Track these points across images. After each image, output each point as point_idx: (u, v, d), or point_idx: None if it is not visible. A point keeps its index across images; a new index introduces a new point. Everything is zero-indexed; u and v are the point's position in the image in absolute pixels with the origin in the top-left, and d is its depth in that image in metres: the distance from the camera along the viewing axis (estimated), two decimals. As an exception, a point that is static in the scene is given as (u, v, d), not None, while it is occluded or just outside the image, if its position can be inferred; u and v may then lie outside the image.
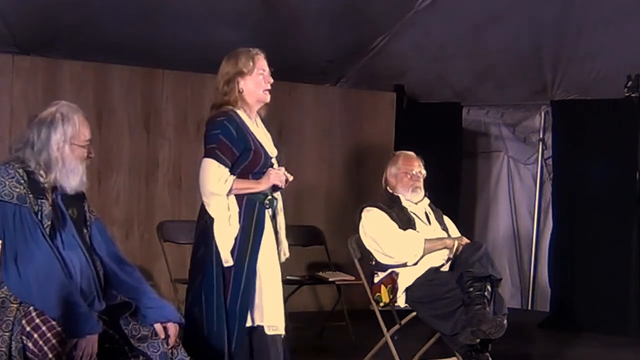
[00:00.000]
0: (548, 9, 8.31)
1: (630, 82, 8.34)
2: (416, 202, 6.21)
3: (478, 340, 5.63)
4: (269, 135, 4.94)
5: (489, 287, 5.69)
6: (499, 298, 5.84)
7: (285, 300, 4.96)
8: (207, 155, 4.76)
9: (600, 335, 8.01)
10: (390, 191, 6.24)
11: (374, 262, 6.13)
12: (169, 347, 4.04)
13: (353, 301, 7.92)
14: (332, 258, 7.89)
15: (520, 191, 9.72)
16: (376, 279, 6.12)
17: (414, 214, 6.15)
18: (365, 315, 6.58)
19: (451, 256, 5.97)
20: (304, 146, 8.80)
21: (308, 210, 8.57)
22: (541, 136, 9.48)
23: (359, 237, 6.21)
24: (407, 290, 5.97)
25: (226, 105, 4.80)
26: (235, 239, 4.73)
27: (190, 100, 8.21)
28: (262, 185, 4.79)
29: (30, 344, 3.81)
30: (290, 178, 4.87)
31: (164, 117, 8.13)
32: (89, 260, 4.04)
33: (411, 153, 6.35)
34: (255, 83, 4.83)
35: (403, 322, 5.98)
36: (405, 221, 6.06)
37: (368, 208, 6.18)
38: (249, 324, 4.75)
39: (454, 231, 6.29)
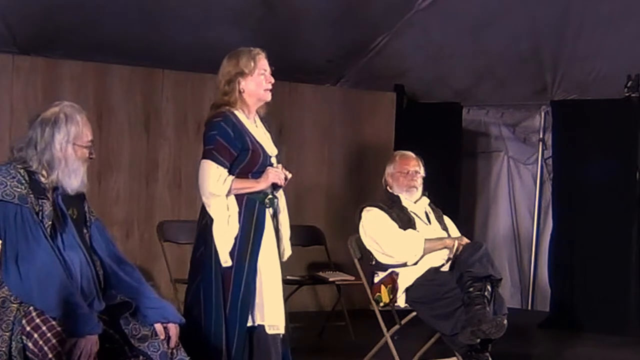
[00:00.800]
0: (548, 9, 8.31)
1: (630, 82, 8.34)
2: (414, 201, 6.21)
3: (478, 340, 5.63)
4: (268, 134, 4.94)
5: (489, 287, 5.69)
6: (499, 298, 5.84)
7: (285, 300, 4.96)
8: (205, 157, 4.77)
9: (600, 335, 8.02)
10: (390, 191, 6.24)
11: (374, 262, 6.14)
12: (170, 347, 4.04)
13: (353, 301, 7.93)
14: (332, 258, 7.89)
15: (520, 191, 9.73)
16: (376, 279, 6.12)
17: (414, 213, 6.15)
18: (365, 315, 6.58)
19: (451, 256, 5.97)
20: (304, 146, 8.80)
21: (308, 210, 8.57)
22: (541, 136, 9.48)
23: (359, 237, 6.21)
24: (407, 290, 5.97)
25: (225, 106, 4.81)
26: (235, 239, 4.73)
27: (190, 100, 8.21)
28: (261, 185, 4.79)
29: (30, 344, 3.81)
30: (289, 176, 4.88)
31: (164, 117, 8.13)
32: (89, 260, 4.04)
33: (408, 153, 6.36)
34: (257, 83, 4.83)
35: (403, 322, 5.98)
36: (405, 221, 6.06)
37: (368, 208, 6.18)
38: (249, 323, 4.75)
39: (454, 231, 6.29)
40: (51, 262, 3.87)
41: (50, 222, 3.96)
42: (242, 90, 4.81)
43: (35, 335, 3.80)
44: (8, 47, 7.59)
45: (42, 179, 4.00)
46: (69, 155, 4.02)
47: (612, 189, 8.38)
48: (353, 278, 7.31)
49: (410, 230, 6.03)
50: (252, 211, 4.77)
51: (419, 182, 6.23)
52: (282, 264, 4.91)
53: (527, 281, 9.59)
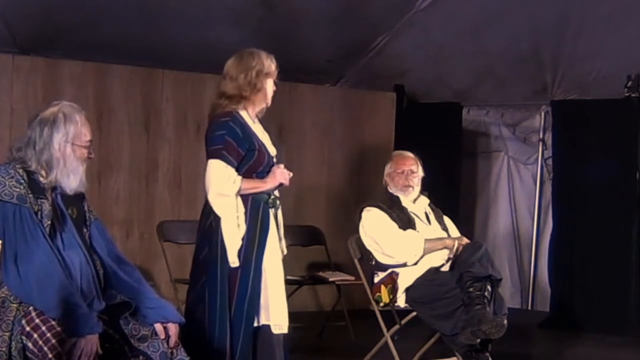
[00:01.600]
0: (548, 9, 8.31)
1: (630, 82, 8.34)
2: (412, 201, 6.21)
3: (478, 340, 5.63)
4: (267, 134, 4.95)
5: (489, 287, 5.70)
6: (499, 298, 5.84)
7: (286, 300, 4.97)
8: (213, 156, 4.74)
9: (600, 335, 8.02)
10: (390, 191, 6.25)
11: (374, 262, 6.14)
12: (170, 347, 4.04)
13: (353, 301, 7.93)
14: (332, 258, 7.89)
15: (520, 191, 9.72)
16: (376, 279, 6.12)
17: (414, 213, 6.15)
18: (365, 315, 6.58)
19: (451, 256, 5.97)
20: (304, 146, 8.80)
21: (308, 210, 8.57)
22: (541, 136, 9.48)
23: (359, 237, 6.21)
24: (407, 290, 5.97)
25: (239, 100, 4.78)
26: (242, 239, 4.73)
27: (190, 100, 8.20)
28: (268, 185, 4.80)
29: (30, 344, 3.81)
30: (290, 174, 4.90)
31: (164, 117, 8.13)
32: (88, 260, 4.04)
33: (406, 152, 6.36)
34: (271, 87, 4.87)
35: (403, 322, 5.98)
36: (405, 221, 6.07)
37: (368, 208, 6.18)
38: (255, 324, 4.76)
39: (454, 231, 6.29)
40: (50, 262, 3.87)
41: (49, 222, 3.95)
42: (262, 90, 4.82)
43: (35, 335, 3.80)
44: (8, 47, 7.59)
45: (41, 179, 4.00)
46: (67, 155, 4.01)
47: (612, 189, 8.38)
48: (353, 278, 7.31)
49: (410, 230, 6.03)
50: (257, 212, 4.78)
51: (415, 182, 6.22)
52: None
53: (527, 281, 9.59)
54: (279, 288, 4.82)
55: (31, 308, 3.84)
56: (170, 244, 7.24)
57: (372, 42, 9.14)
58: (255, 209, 4.77)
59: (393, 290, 5.97)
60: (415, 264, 5.98)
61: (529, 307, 9.53)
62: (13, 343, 3.81)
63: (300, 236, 7.61)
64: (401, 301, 6.00)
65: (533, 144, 9.59)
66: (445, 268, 6.00)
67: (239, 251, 4.72)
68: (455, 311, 5.72)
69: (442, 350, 6.22)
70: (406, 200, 6.19)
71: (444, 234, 6.16)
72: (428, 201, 6.31)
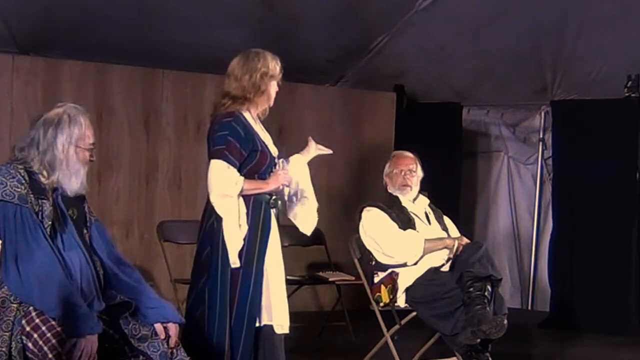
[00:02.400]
0: (548, 9, 8.31)
1: (630, 82, 8.34)
2: (411, 200, 6.21)
3: (478, 340, 5.63)
4: (268, 135, 4.95)
5: (489, 287, 5.70)
6: (499, 298, 5.84)
7: (286, 300, 4.98)
8: (215, 157, 4.73)
9: (600, 335, 8.02)
10: (389, 191, 6.25)
11: (374, 262, 6.14)
12: (170, 347, 4.04)
13: (353, 301, 7.93)
14: (332, 258, 7.89)
15: (520, 191, 9.72)
16: (376, 279, 6.12)
17: (414, 213, 6.15)
18: (365, 315, 6.58)
19: (451, 256, 5.97)
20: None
21: (308, 210, 8.56)
22: (541, 136, 9.48)
23: (359, 237, 6.21)
24: (407, 290, 5.97)
25: (242, 101, 4.78)
26: (244, 239, 4.73)
27: (190, 100, 8.20)
28: (270, 186, 4.81)
29: (30, 344, 3.81)
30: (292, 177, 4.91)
31: (164, 117, 8.13)
32: (89, 260, 4.04)
33: (405, 152, 6.37)
34: (274, 89, 4.88)
35: (403, 322, 5.98)
36: (405, 221, 6.07)
37: (368, 208, 6.19)
38: (257, 324, 4.76)
39: (454, 231, 6.29)
40: (51, 262, 3.87)
41: (50, 222, 3.95)
42: (266, 91, 4.82)
43: (35, 336, 3.80)
44: (8, 47, 7.59)
45: (43, 180, 4.00)
46: (70, 156, 4.01)
47: (612, 189, 8.38)
48: (353, 278, 7.31)
49: (410, 230, 6.03)
50: (259, 212, 4.78)
51: (413, 182, 6.23)
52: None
53: (527, 281, 9.59)
54: (280, 288, 4.84)
55: (31, 308, 3.84)
56: (170, 244, 7.24)
57: (372, 42, 9.13)
58: (257, 209, 4.78)
59: (393, 290, 5.97)
60: (415, 264, 5.98)
61: (529, 307, 9.52)
62: (13, 343, 3.81)
63: (300, 236, 7.57)
64: (401, 301, 6.00)
65: (533, 144, 9.59)
66: (445, 268, 6.00)
67: (241, 251, 4.72)
68: (455, 311, 5.73)
69: (442, 350, 6.22)
70: (406, 200, 6.19)
71: (444, 234, 6.16)
72: (428, 201, 6.31)
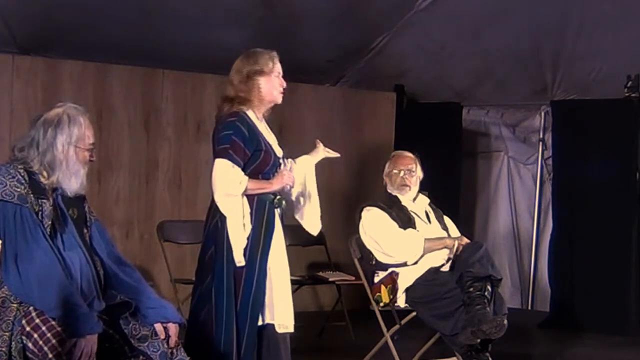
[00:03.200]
0: (548, 9, 8.31)
1: (630, 82, 8.34)
2: (411, 200, 6.21)
3: (478, 340, 5.63)
4: (273, 135, 4.96)
5: (489, 287, 5.70)
6: (499, 298, 5.84)
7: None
8: (219, 156, 4.73)
9: (600, 335, 8.02)
10: (389, 191, 6.25)
11: (374, 262, 6.14)
12: (170, 347, 4.04)
13: (353, 301, 7.93)
14: (332, 258, 7.89)
15: (520, 191, 9.72)
16: (376, 279, 6.12)
17: (414, 213, 6.15)
18: (365, 315, 6.58)
19: (451, 256, 5.97)
20: (304, 146, 8.75)
21: (308, 210, 8.56)
22: (541, 136, 9.48)
23: (359, 237, 6.21)
24: (407, 290, 5.97)
25: (240, 102, 4.80)
26: (248, 239, 4.74)
27: (190, 100, 8.21)
28: (274, 186, 4.81)
29: (30, 344, 3.81)
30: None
31: (164, 117, 8.13)
32: (89, 260, 4.04)
33: (404, 152, 6.37)
34: (273, 84, 4.85)
35: (403, 322, 5.98)
36: (405, 220, 6.07)
37: (368, 207, 6.19)
38: (259, 322, 4.76)
39: (454, 231, 6.29)
40: (50, 262, 3.87)
41: (50, 222, 3.95)
42: (260, 88, 4.82)
43: (35, 336, 3.80)
44: (8, 47, 7.59)
45: (42, 180, 4.00)
46: (70, 157, 4.01)
47: (612, 189, 8.38)
48: (353, 278, 7.32)
49: (410, 229, 6.03)
50: (262, 211, 4.79)
51: (412, 181, 6.23)
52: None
53: (527, 281, 9.59)
54: (284, 287, 4.83)
55: (31, 308, 3.84)
56: (170, 244, 7.24)
57: (372, 42, 9.13)
58: (261, 209, 4.78)
59: (393, 290, 5.97)
60: (415, 263, 5.98)
61: (529, 307, 9.53)
62: (13, 343, 3.81)
63: (300, 236, 7.57)
64: (401, 301, 6.00)
65: (533, 144, 9.59)
66: (445, 268, 6.00)
67: (245, 250, 4.72)
68: (455, 311, 5.73)
69: (442, 350, 6.23)
70: (406, 200, 6.19)
71: (444, 234, 6.16)
72: (428, 200, 6.31)
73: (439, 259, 6.00)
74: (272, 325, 4.79)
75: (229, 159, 4.71)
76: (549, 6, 8.29)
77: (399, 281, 5.98)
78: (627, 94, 8.36)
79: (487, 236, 9.68)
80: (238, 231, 4.71)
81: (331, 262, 7.87)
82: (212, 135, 4.85)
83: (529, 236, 9.58)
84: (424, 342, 6.36)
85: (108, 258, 4.14)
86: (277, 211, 4.85)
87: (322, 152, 5.21)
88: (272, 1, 8.14)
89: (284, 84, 4.90)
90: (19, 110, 7.40)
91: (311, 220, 5.09)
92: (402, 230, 6.02)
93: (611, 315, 8.25)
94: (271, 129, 4.99)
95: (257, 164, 4.79)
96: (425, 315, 5.88)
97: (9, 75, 7.46)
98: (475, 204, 9.93)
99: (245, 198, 4.75)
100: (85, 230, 4.13)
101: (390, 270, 6.03)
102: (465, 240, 6.06)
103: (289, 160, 4.97)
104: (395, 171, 6.24)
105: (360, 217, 6.19)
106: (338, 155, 5.28)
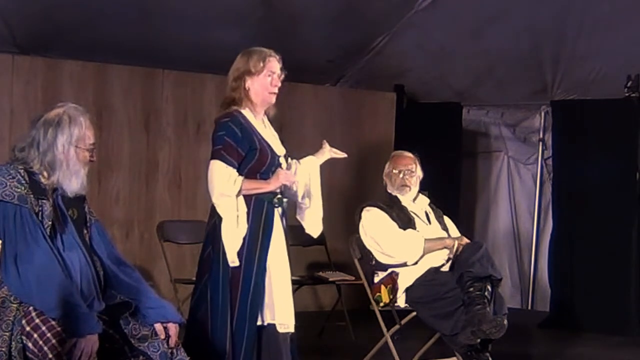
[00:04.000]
0: (548, 9, 8.31)
1: (630, 82, 8.34)
2: (411, 200, 6.21)
3: (478, 340, 5.63)
4: (276, 134, 4.96)
5: (489, 287, 5.70)
6: (499, 298, 5.84)
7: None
8: (213, 157, 4.76)
9: (600, 335, 8.02)
10: (389, 191, 6.25)
11: (374, 262, 6.14)
12: (170, 347, 4.04)
13: (353, 301, 7.93)
14: (332, 258, 7.89)
15: (520, 191, 9.73)
16: (376, 279, 6.12)
17: (414, 213, 6.15)
18: (365, 315, 6.58)
19: (451, 256, 5.97)
20: (304, 146, 8.74)
21: (308, 210, 8.56)
22: (541, 136, 9.49)
23: (359, 237, 6.21)
24: (407, 290, 5.97)
25: (233, 102, 4.81)
26: (244, 239, 4.74)
27: (190, 100, 8.20)
28: (271, 186, 4.80)
29: (30, 344, 3.81)
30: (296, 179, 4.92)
31: (164, 117, 8.13)
32: (89, 260, 4.04)
33: (404, 152, 6.37)
34: (262, 84, 4.84)
35: (403, 322, 5.98)
36: (405, 221, 6.07)
37: (368, 208, 6.19)
38: (258, 322, 4.77)
39: (454, 231, 6.29)
40: (50, 263, 3.87)
41: (50, 223, 3.95)
42: (247, 89, 4.82)
43: (35, 336, 3.80)
44: (8, 47, 7.59)
45: (43, 180, 4.00)
46: (70, 157, 4.01)
47: (612, 189, 8.38)
48: (353, 278, 7.32)
49: (410, 230, 6.03)
50: (260, 211, 4.79)
51: (412, 182, 6.22)
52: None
53: (527, 281, 9.59)
54: (284, 287, 4.83)
55: (31, 308, 3.84)
56: (170, 244, 7.24)
57: (372, 42, 9.14)
58: (259, 208, 4.78)
59: (393, 290, 5.97)
60: (415, 263, 5.98)
61: (529, 307, 9.53)
62: (13, 343, 3.81)
63: (300, 236, 7.58)
64: (401, 301, 6.00)
65: (533, 144, 9.59)
66: (445, 268, 6.00)
67: (241, 250, 4.73)
68: (455, 311, 5.73)
69: (442, 350, 6.23)
70: (406, 200, 6.19)
71: (444, 234, 6.16)
72: (428, 201, 6.31)
73: (439, 259, 6.00)
74: (273, 326, 4.79)
75: (222, 160, 4.72)
76: (549, 6, 8.29)
77: (399, 281, 5.98)
78: (627, 94, 8.36)
79: (487, 236, 9.68)
80: (231, 231, 4.72)
81: (331, 262, 7.87)
82: (211, 137, 4.87)
83: (529, 236, 9.58)
84: (424, 342, 6.36)
85: (108, 258, 4.14)
86: (278, 211, 4.85)
87: (328, 152, 5.19)
88: (272, 1, 8.14)
89: (278, 84, 4.88)
90: (19, 110, 7.40)
91: (312, 222, 5.08)
92: (402, 230, 6.02)
93: (611, 315, 8.25)
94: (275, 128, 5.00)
95: (253, 163, 4.78)
96: (425, 315, 5.88)
97: (9, 75, 7.46)
98: (475, 204, 9.93)
99: (241, 198, 4.75)
100: (85, 231, 4.13)
101: (390, 270, 6.03)
102: (465, 240, 6.06)
103: (294, 160, 4.96)
104: (395, 171, 6.24)
105: (360, 218, 6.19)
106: (345, 155, 5.26)
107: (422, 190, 6.31)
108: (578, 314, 8.42)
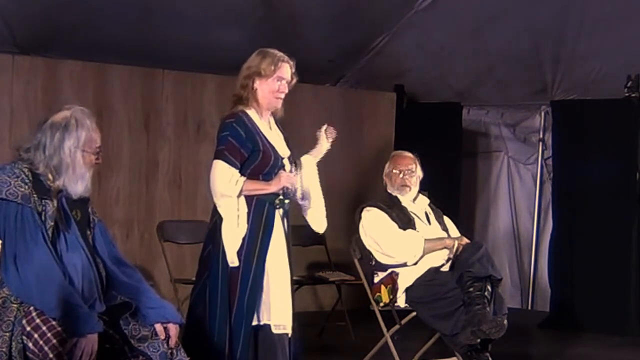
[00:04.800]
0: (548, 9, 8.32)
1: (630, 82, 8.34)
2: (411, 200, 6.21)
3: (478, 340, 5.63)
4: (282, 135, 4.97)
5: (489, 287, 5.70)
6: (499, 298, 5.84)
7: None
8: (216, 157, 4.77)
9: (600, 335, 8.02)
10: (389, 191, 6.25)
11: (374, 262, 6.14)
12: (170, 347, 4.04)
13: (353, 301, 7.92)
14: (332, 258, 7.89)
15: (520, 191, 9.72)
16: (376, 279, 6.12)
17: (414, 213, 6.15)
18: (365, 315, 6.58)
19: (451, 256, 5.97)
20: (304, 146, 8.75)
21: (308, 210, 8.56)
22: (541, 136, 9.48)
23: (359, 237, 6.21)
24: (407, 290, 5.97)
25: (240, 99, 4.82)
26: (243, 239, 4.74)
27: (190, 100, 8.20)
28: (272, 187, 4.81)
29: (30, 344, 3.81)
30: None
31: (164, 117, 8.12)
32: (91, 261, 4.04)
33: (404, 152, 6.37)
34: (270, 88, 4.86)
35: (403, 322, 5.98)
36: (405, 221, 6.07)
37: (368, 208, 6.19)
38: (254, 322, 4.77)
39: (454, 231, 6.29)
40: (49, 263, 3.87)
41: (52, 223, 3.95)
42: (254, 89, 4.83)
43: (36, 336, 3.80)
44: (8, 47, 7.59)
45: (48, 182, 3.99)
46: (77, 161, 4.00)
47: (612, 189, 8.38)
48: (353, 278, 7.32)
49: (410, 230, 6.03)
50: (261, 212, 4.79)
51: (412, 182, 6.23)
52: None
53: (527, 281, 9.59)
54: (283, 288, 4.83)
55: (32, 308, 3.84)
56: (170, 244, 7.24)
57: (372, 42, 9.14)
58: (259, 209, 4.78)
59: (393, 290, 5.97)
60: (415, 263, 5.98)
61: (529, 307, 9.53)
62: (14, 343, 3.81)
63: (300, 236, 7.58)
64: (401, 301, 6.00)
65: (533, 144, 9.59)
66: (445, 268, 6.00)
67: (240, 251, 4.73)
68: (455, 311, 5.73)
69: (442, 350, 6.23)
70: (406, 200, 6.19)
71: (444, 234, 6.16)
72: (428, 201, 6.31)
73: (439, 259, 6.01)
74: (269, 326, 4.79)
75: (225, 160, 4.73)
76: (549, 6, 8.29)
77: (399, 281, 5.98)
78: (627, 94, 8.36)
79: (487, 236, 9.68)
80: (231, 232, 4.72)
81: (331, 262, 7.87)
82: (216, 136, 4.89)
83: (529, 236, 9.58)
84: (424, 342, 6.36)
85: (109, 259, 4.15)
86: (279, 212, 4.85)
87: (325, 143, 5.20)
88: (272, 1, 8.14)
89: (285, 90, 4.90)
90: (19, 110, 7.39)
91: (316, 218, 5.10)
92: (401, 230, 6.02)
93: (611, 315, 8.25)
94: (283, 130, 5.01)
95: (256, 164, 4.79)
96: (425, 315, 5.88)
97: (9, 75, 7.45)
98: (475, 204, 9.93)
99: (242, 199, 4.76)
100: (88, 232, 4.13)
101: (390, 270, 6.03)
102: (465, 241, 6.07)
103: (297, 162, 4.97)
104: (395, 171, 6.24)
105: (360, 218, 6.20)
106: (334, 132, 5.24)
107: (422, 190, 6.31)
108: (578, 314, 8.42)
